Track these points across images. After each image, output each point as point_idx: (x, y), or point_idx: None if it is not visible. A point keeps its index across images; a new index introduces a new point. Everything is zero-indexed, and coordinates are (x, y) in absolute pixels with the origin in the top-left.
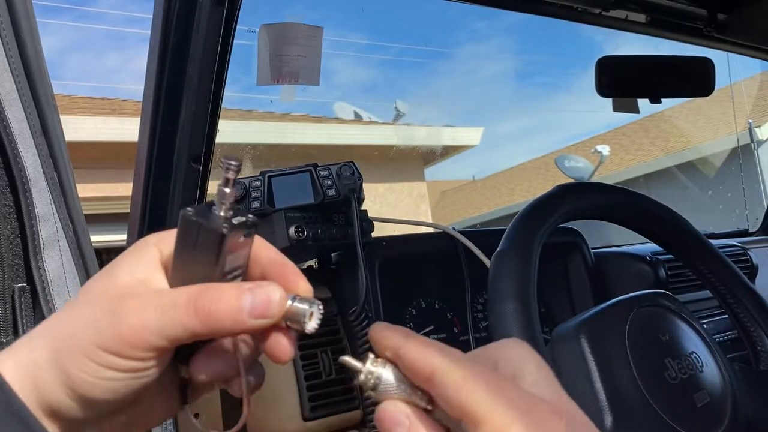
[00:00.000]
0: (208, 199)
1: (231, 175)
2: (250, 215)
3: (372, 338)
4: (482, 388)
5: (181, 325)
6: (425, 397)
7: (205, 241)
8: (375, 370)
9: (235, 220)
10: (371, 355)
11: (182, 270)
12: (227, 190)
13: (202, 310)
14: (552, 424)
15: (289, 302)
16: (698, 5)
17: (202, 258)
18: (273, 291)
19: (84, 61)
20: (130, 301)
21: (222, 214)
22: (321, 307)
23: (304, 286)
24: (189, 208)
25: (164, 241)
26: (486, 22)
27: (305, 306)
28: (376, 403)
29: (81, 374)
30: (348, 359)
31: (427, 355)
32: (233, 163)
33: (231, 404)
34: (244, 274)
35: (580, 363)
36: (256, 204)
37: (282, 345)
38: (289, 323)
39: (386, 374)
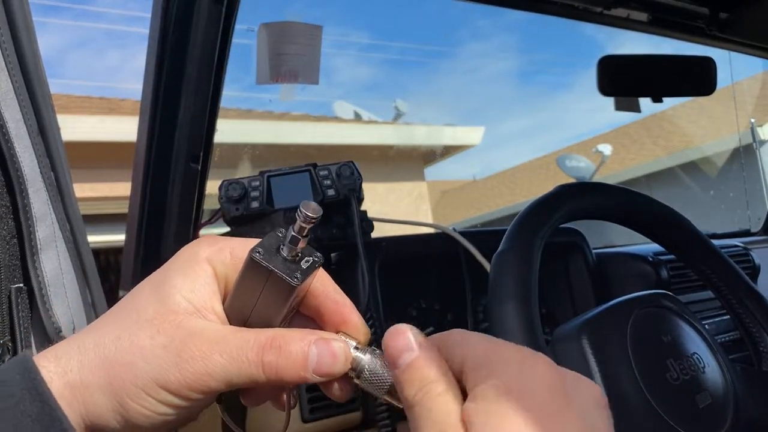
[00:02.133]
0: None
1: (309, 225)
2: (317, 253)
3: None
4: (483, 344)
5: (247, 375)
6: None
7: (275, 288)
8: (357, 356)
9: (304, 264)
10: (353, 343)
11: (243, 306)
12: (301, 238)
13: (269, 364)
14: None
15: (351, 351)
16: (700, 4)
17: (267, 300)
18: (339, 349)
19: (83, 59)
20: (194, 343)
21: (290, 257)
22: (381, 354)
23: (365, 332)
24: (258, 249)
25: (217, 257)
26: (489, 20)
27: (367, 357)
28: (376, 404)
29: (137, 407)
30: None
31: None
32: (313, 216)
33: (231, 405)
34: (299, 305)
35: (582, 364)
36: (255, 204)
37: (343, 391)
38: (349, 372)
39: (370, 361)
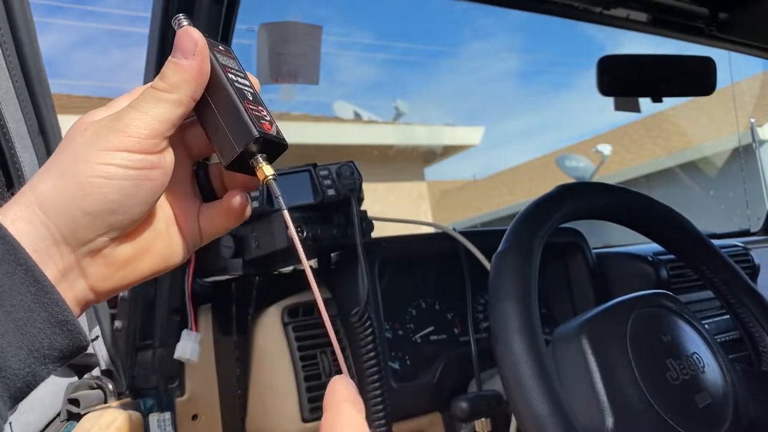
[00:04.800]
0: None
1: (187, 23)
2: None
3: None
4: None
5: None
6: None
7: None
8: None
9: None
10: None
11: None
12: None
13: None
14: None
15: None
16: (699, 4)
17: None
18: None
19: (84, 59)
20: (126, 108)
21: None
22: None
23: None
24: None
25: (136, 91)
26: (491, 18)
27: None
28: (378, 404)
29: (92, 179)
30: None
31: None
32: (182, 15)
33: (231, 405)
34: (248, 80)
35: (582, 363)
36: (255, 204)
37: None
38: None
39: None
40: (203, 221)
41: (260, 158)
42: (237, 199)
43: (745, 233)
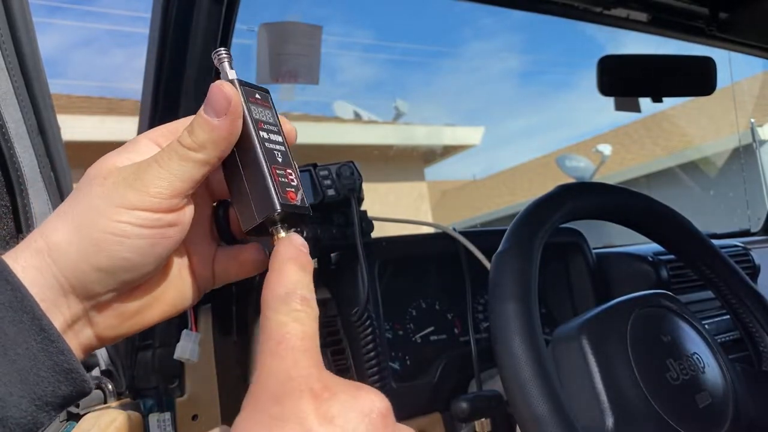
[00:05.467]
0: None
1: (227, 60)
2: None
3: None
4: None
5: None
6: None
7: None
8: None
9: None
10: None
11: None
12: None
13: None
14: None
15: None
16: (700, 4)
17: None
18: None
19: (83, 59)
20: (149, 161)
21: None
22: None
23: None
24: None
25: (157, 131)
26: (493, 18)
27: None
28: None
29: (106, 236)
30: None
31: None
32: (223, 50)
33: (231, 405)
34: (281, 134)
35: (582, 364)
36: None
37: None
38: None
39: None
40: (218, 267)
41: (280, 228)
42: (255, 253)
43: (745, 233)
